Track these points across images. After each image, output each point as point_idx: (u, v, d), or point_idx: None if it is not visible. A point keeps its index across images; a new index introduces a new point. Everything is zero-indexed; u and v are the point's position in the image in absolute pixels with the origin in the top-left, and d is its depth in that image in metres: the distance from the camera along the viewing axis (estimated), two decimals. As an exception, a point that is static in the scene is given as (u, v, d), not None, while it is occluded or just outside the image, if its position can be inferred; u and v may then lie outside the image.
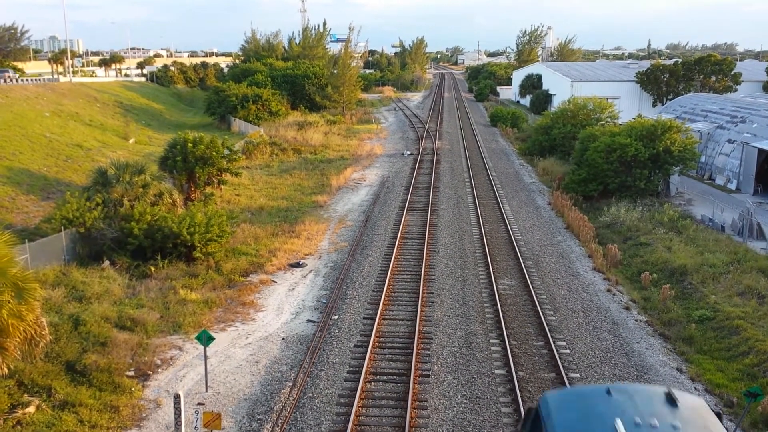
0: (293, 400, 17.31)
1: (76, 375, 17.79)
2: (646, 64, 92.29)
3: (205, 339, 17.45)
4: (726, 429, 9.66)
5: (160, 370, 18.93)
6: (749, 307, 22.67)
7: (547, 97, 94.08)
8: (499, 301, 23.63)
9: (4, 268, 14.47)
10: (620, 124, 46.41)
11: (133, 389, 17.63)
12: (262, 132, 62.32)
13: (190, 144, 36.14)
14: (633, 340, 21.10)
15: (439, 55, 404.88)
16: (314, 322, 22.46)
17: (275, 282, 26.28)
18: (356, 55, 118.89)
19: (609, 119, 52.70)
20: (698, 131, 47.73)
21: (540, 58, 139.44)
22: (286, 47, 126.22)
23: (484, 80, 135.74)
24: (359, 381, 17.77)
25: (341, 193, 42.75)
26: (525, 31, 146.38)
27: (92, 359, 18.34)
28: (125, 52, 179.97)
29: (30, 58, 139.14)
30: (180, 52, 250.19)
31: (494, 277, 26.03)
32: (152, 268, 26.23)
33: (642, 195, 37.75)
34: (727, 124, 48.48)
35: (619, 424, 8.79)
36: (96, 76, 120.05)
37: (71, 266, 25.66)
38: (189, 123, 77.43)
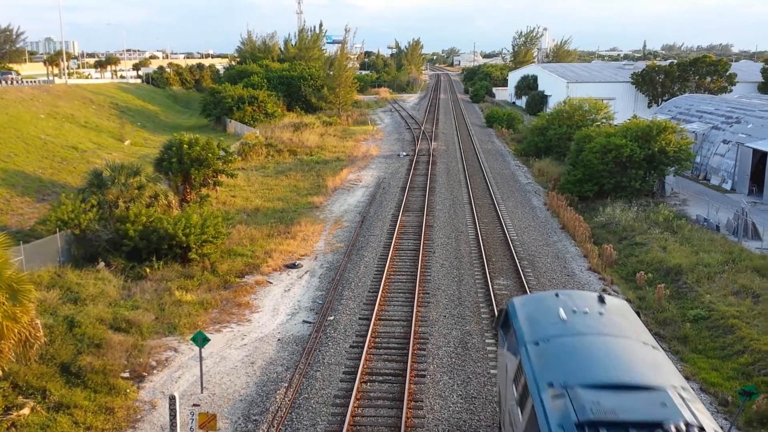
0: (289, 401, 17.30)
1: (70, 377, 17.75)
2: (641, 65, 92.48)
3: (201, 340, 17.42)
4: (644, 323, 13.14)
5: (155, 371, 18.90)
6: (744, 306, 22.73)
7: (543, 98, 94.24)
8: (495, 301, 23.65)
9: (-1, 269, 14.45)
10: (616, 125, 46.50)
11: (128, 391, 17.59)
12: (258, 133, 62.29)
13: (185, 145, 36.11)
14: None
15: (435, 57, 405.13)
16: (310, 322, 22.45)
17: (271, 283, 26.27)
18: (352, 57, 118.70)
19: (604, 120, 52.78)
20: (693, 132, 47.87)
21: (536, 60, 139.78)
22: (282, 49, 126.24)
23: (479, 81, 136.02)
24: (355, 381, 17.77)
25: (337, 194, 42.75)
26: (521, 33, 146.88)
27: (87, 361, 18.30)
28: (121, 54, 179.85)
29: (25, 59, 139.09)
30: (176, 53, 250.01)
31: (490, 278, 26.04)
32: (147, 270, 26.18)
33: (637, 195, 37.83)
34: (722, 124, 48.65)
35: (561, 311, 12.61)
36: (92, 78, 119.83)
37: (66, 268, 25.60)
38: (185, 124, 77.37)
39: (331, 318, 22.60)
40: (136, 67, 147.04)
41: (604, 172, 38.02)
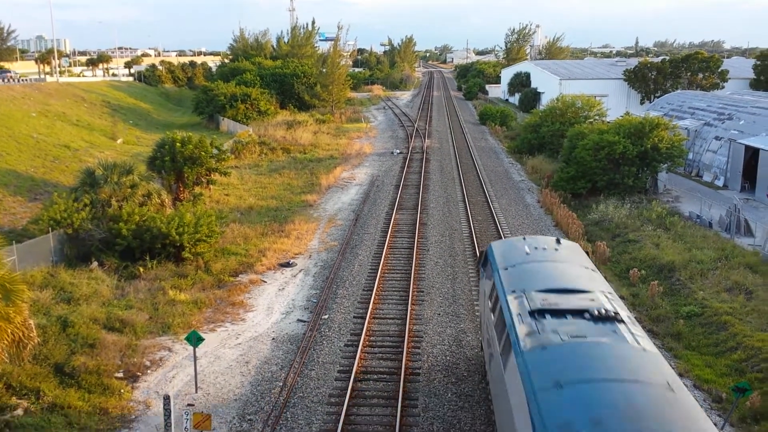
0: (284, 400, 17.28)
1: (64, 377, 17.69)
2: (633, 62, 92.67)
3: (195, 340, 17.39)
4: (594, 263, 16.64)
5: (149, 371, 18.85)
6: (737, 302, 22.83)
7: (536, 95, 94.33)
8: (489, 299, 23.67)
9: (-9, 270, 14.36)
10: (608, 122, 46.65)
11: (122, 391, 17.55)
12: (251, 131, 62.14)
13: (178, 144, 35.96)
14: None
15: (428, 54, 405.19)
16: (304, 321, 22.43)
17: (265, 282, 26.23)
18: (345, 54, 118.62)
19: (597, 117, 52.95)
20: (686, 128, 48.06)
21: (528, 57, 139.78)
22: (275, 46, 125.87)
23: (473, 78, 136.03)
24: (350, 380, 17.78)
25: (331, 192, 42.71)
26: (513, 30, 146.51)
27: (81, 361, 18.24)
28: (113, 52, 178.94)
29: (17, 58, 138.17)
30: (168, 51, 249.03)
31: (484, 275, 26.08)
32: (141, 269, 26.10)
33: (630, 192, 37.95)
34: (715, 121, 48.82)
35: (526, 247, 16.53)
36: (84, 76, 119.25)
37: (59, 267, 25.48)
38: (177, 122, 77.12)
39: (326, 316, 22.58)
40: (128, 65, 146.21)
41: (597, 169, 38.11)
